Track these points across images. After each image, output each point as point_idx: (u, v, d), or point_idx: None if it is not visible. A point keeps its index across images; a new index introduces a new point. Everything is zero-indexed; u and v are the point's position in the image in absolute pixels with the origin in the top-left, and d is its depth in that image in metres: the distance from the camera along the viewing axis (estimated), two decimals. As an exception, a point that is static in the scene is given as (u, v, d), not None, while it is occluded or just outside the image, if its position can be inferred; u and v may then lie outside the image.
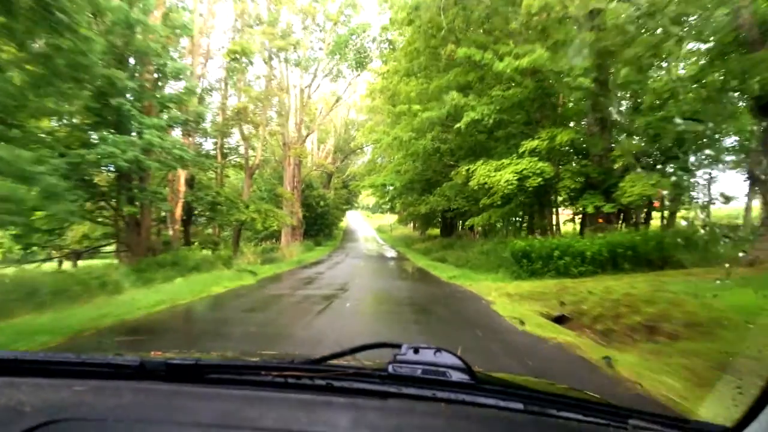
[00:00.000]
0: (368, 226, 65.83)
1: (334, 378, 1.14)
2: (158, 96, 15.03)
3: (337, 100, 35.41)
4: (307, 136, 35.03)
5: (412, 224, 52.02)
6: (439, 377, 1.10)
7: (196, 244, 23.76)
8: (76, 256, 18.27)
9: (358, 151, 49.61)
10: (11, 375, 1.16)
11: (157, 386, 1.13)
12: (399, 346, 1.16)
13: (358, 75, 34.91)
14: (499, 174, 14.08)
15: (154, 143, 13.21)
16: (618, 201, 13.35)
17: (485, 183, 14.27)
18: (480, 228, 31.70)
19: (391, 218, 63.88)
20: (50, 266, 17.47)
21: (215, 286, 12.68)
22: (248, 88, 24.28)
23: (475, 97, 15.57)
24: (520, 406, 1.08)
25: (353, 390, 1.11)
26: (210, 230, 26.56)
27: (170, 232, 18.51)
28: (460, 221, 36.05)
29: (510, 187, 13.72)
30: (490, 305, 9.69)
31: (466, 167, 15.09)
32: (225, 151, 27.32)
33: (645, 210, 18.87)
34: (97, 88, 14.17)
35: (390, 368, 1.12)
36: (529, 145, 14.39)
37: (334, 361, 1.22)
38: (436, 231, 42.31)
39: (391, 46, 34.32)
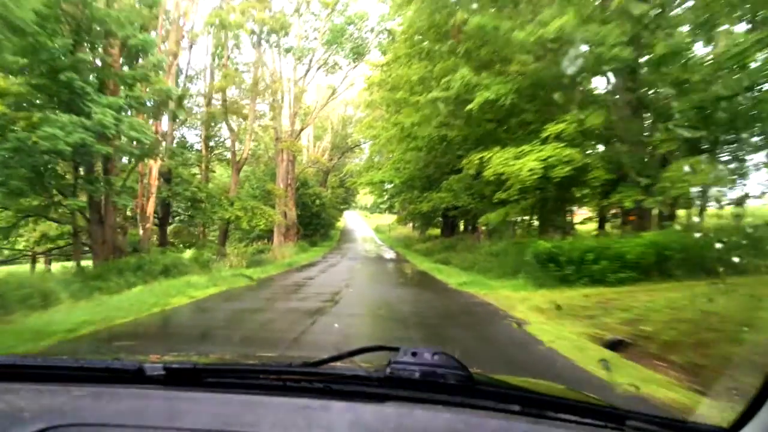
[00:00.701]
0: (366, 227, 63.42)
1: (332, 381, 1.13)
2: (118, 73, 12.64)
3: (333, 93, 33.05)
4: (302, 130, 32.67)
5: (411, 224, 49.59)
6: (436, 380, 1.08)
7: (179, 245, 21.38)
8: (33, 259, 15.84)
9: (356, 148, 47.21)
10: (10, 380, 1.14)
11: (156, 391, 1.11)
12: (397, 349, 1.14)
13: (355, 66, 32.55)
14: (519, 162, 11.69)
15: (107, 124, 10.81)
16: (663, 194, 10.98)
17: (502, 173, 11.88)
18: (484, 228, 29.43)
19: (389, 218, 61.61)
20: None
21: (178, 297, 10.31)
22: (233, 72, 21.87)
23: (489, 75, 13.20)
24: (517, 408, 1.07)
25: (351, 393, 1.10)
26: (195, 230, 24.16)
27: (140, 232, 16.11)
28: (462, 221, 33.74)
29: (534, 177, 11.33)
30: (523, 326, 7.30)
31: (480, 155, 12.70)
32: (213, 144, 24.96)
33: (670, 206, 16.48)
34: (46, 62, 11.87)
35: (388, 371, 1.09)
36: (553, 129, 12.01)
37: (332, 364, 1.21)
38: (437, 231, 39.93)
39: (391, 36, 32.04)
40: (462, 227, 35.09)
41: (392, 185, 32.38)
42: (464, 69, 13.04)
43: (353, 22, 31.61)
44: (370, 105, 38.87)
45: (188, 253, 21.26)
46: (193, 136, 22.56)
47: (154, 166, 16.07)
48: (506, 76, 13.13)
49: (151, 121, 16.19)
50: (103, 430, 0.97)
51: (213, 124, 22.80)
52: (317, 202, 37.90)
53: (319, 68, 30.85)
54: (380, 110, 36.90)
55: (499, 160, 12.04)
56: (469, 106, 12.67)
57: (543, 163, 11.29)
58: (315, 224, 38.57)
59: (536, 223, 23.41)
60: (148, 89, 12.48)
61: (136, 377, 1.15)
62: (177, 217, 22.54)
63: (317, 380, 1.14)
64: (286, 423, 0.99)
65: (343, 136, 44.87)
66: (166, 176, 18.10)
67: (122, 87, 12.69)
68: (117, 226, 15.45)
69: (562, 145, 11.87)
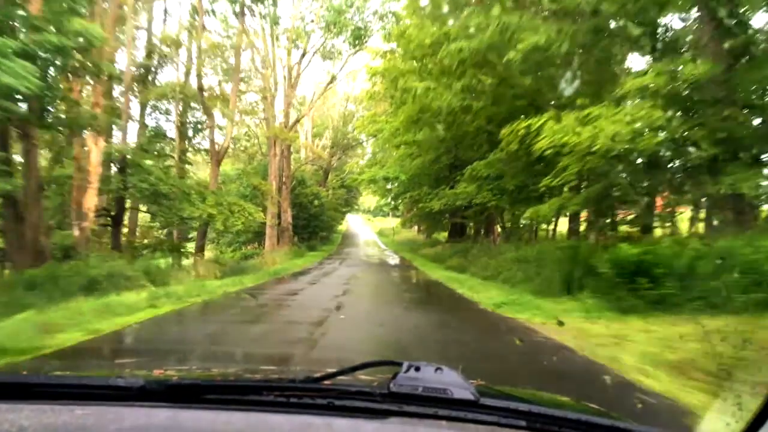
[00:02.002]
0: (369, 230, 59.47)
1: (335, 397, 1.10)
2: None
3: (332, 80, 29.21)
4: (297, 120, 28.81)
5: (416, 227, 45.59)
6: (440, 395, 1.04)
7: (145, 249, 17.48)
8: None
9: (358, 147, 43.28)
10: (12, 399, 1.11)
11: (158, 409, 1.07)
12: (400, 364, 1.12)
13: (356, 51, 28.70)
14: (587, 129, 7.71)
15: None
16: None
17: (563, 145, 7.89)
18: (500, 230, 25.45)
19: (393, 222, 57.74)
20: None
21: (69, 331, 6.42)
22: (211, 44, 18.01)
23: (531, 17, 9.30)
24: (522, 423, 1.03)
25: (354, 409, 1.06)
26: (169, 231, 20.24)
27: (76, 233, 12.21)
28: (472, 223, 29.72)
29: (619, 145, 7.34)
30: None
31: (526, 123, 8.72)
32: (193, 134, 21.09)
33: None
34: None
35: (391, 386, 1.06)
36: (634, 83, 8.09)
37: (335, 380, 1.18)
38: (444, 235, 35.96)
39: (395, 18, 28.25)
40: (472, 230, 31.19)
41: (396, 184, 28.56)
42: (497, 7, 9.12)
43: (353, 3, 27.81)
44: (373, 97, 35.11)
45: (160, 260, 17.42)
46: (173, 126, 18.64)
47: (95, 148, 12.20)
48: (556, 17, 9.24)
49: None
50: None
51: (189, 107, 18.90)
52: (316, 202, 33.96)
53: (315, 53, 27.03)
54: (383, 106, 33.23)
55: (557, 128, 8.05)
56: (510, 55, 8.73)
57: (629, 126, 7.31)
58: (313, 227, 34.62)
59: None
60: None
61: (139, 395, 1.12)
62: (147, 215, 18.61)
63: (320, 396, 1.11)
64: None
65: (344, 132, 40.97)
66: (121, 165, 14.23)
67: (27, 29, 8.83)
68: (43, 226, 11.60)
69: (648, 103, 7.91)
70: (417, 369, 1.09)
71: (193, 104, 19.52)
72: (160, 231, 18.58)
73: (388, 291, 12.72)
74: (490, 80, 10.48)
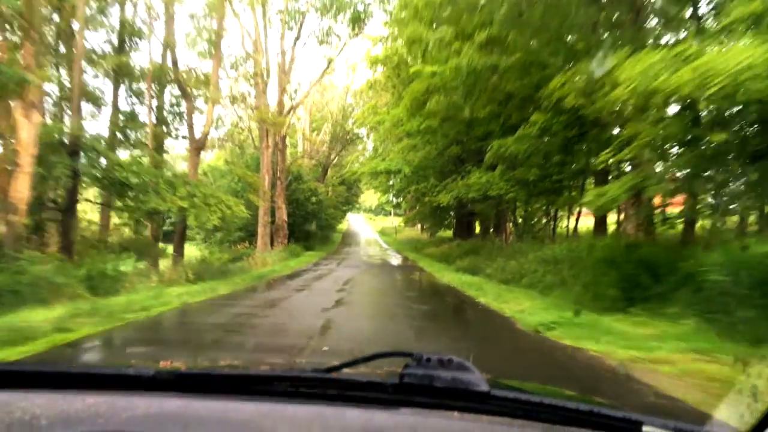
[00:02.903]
0: (370, 229, 56.82)
1: (346, 388, 1.09)
2: None
3: (329, 64, 26.56)
4: (291, 109, 26.18)
5: (419, 226, 42.95)
6: (451, 386, 1.01)
7: (109, 249, 14.85)
8: None
9: (358, 141, 40.60)
10: (25, 387, 1.09)
11: (170, 398, 1.06)
12: (411, 355, 1.07)
13: (356, 34, 26.07)
14: (686, 71, 5.07)
15: None
16: None
17: (653, 91, 5.23)
18: (512, 226, 22.80)
19: (395, 221, 55.15)
20: None
21: None
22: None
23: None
24: (533, 416, 1.01)
25: (365, 399, 1.05)
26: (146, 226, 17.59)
27: (1, 228, 9.59)
28: (478, 220, 27.04)
29: (758, 84, 4.71)
30: None
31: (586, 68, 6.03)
32: (171, 119, 18.48)
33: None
34: None
35: (402, 377, 1.03)
36: (743, 11, 5.45)
37: (346, 371, 1.15)
38: (448, 233, 33.36)
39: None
40: (478, 228, 28.55)
41: (399, 178, 25.96)
42: None
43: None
44: (374, 86, 32.51)
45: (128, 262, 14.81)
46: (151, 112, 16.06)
47: (26, 122, 9.59)
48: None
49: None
50: None
51: (165, 87, 16.31)
52: (313, 199, 31.26)
53: (310, 36, 24.42)
54: (384, 98, 30.64)
55: (640, 68, 5.37)
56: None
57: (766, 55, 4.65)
58: (310, 225, 31.97)
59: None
60: None
61: (150, 384, 1.10)
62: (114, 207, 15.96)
63: (331, 387, 1.10)
64: (302, 430, 0.95)
65: (343, 126, 38.31)
66: (73, 148, 11.62)
67: None
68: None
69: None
70: (428, 360, 1.05)
71: (174, 92, 17.05)
72: (132, 228, 15.93)
73: (393, 302, 10.08)
74: (523, 35, 7.74)
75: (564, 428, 0.99)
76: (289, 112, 25.63)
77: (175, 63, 14.94)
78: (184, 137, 16.91)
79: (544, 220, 23.57)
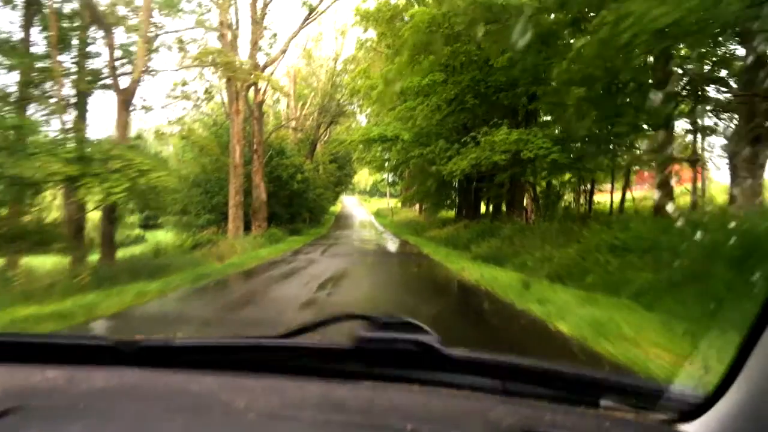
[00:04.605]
0: (365, 211, 52.20)
1: (304, 355, 1.08)
2: None
3: (310, 12, 21.63)
4: (266, 66, 21.33)
5: (417, 206, 38.44)
6: (413, 358, 0.99)
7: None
8: None
9: (349, 114, 35.69)
10: None
11: (130, 370, 1.03)
12: (368, 318, 1.05)
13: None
14: None
15: None
16: None
17: None
18: (531, 203, 18.38)
19: (391, 202, 50.65)
20: None
21: None
22: None
23: None
24: (493, 384, 0.98)
25: (325, 371, 1.02)
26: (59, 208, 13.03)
27: None
28: (486, 197, 22.51)
29: None
30: None
31: None
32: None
33: None
34: None
35: (361, 344, 1.00)
36: None
37: (304, 336, 1.13)
38: (450, 214, 28.92)
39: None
40: (487, 206, 24.11)
41: (396, 150, 21.42)
42: None
43: None
44: (365, 46, 27.64)
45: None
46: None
47: None
48: None
49: None
50: (74, 411, 0.89)
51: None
52: (299, 176, 26.57)
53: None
54: (377, 65, 25.93)
55: None
56: None
57: None
58: (296, 206, 27.38)
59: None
60: None
61: (111, 356, 1.07)
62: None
63: (290, 356, 1.08)
64: (260, 402, 0.91)
65: (331, 95, 33.39)
66: None
67: None
68: None
69: None
70: (387, 324, 1.02)
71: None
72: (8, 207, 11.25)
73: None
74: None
75: (522, 399, 0.94)
76: (264, 68, 20.82)
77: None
78: (106, 86, 12.17)
79: (568, 195, 19.25)
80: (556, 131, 12.21)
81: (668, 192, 11.46)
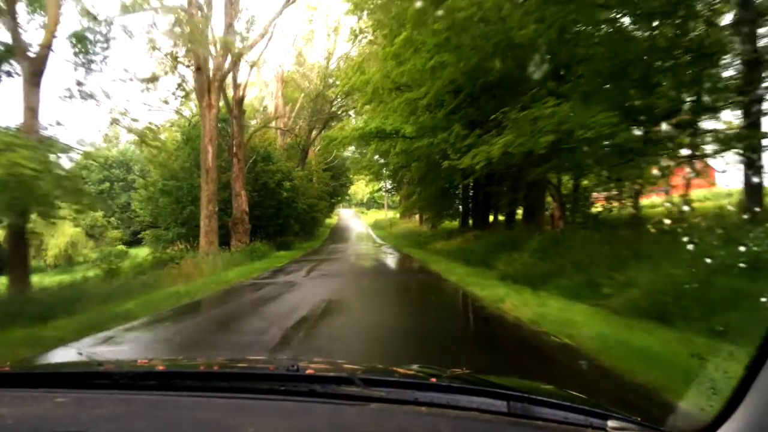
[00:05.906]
0: (362, 223, 48.77)
1: (314, 382, 1.04)
2: None
3: (293, -9, 18.56)
4: (242, 52, 18.08)
5: (418, 217, 35.04)
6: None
7: None
8: None
9: (343, 116, 32.44)
10: None
11: (139, 396, 1.02)
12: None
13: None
14: None
15: None
16: None
17: None
18: (558, 207, 15.08)
19: (389, 214, 47.34)
20: None
21: None
22: None
23: None
24: (502, 408, 0.96)
25: (333, 395, 0.99)
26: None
27: None
28: (493, 200, 19.04)
29: None
30: None
31: None
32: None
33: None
34: None
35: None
36: None
37: (315, 366, 1.12)
38: (453, 224, 25.59)
39: None
40: (497, 215, 20.79)
41: (395, 151, 18.29)
42: None
43: None
44: (357, 35, 24.57)
45: None
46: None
47: None
48: None
49: None
50: None
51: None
52: (287, 184, 23.22)
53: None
54: (372, 64, 22.92)
55: None
56: None
57: None
58: (285, 217, 23.96)
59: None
60: None
61: (120, 382, 1.05)
62: None
63: (300, 382, 1.05)
64: (268, 426, 0.90)
65: (324, 96, 30.21)
66: None
67: None
68: None
69: None
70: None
71: None
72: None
73: None
74: None
75: (531, 421, 0.92)
76: (239, 57, 17.58)
77: None
78: (7, 52, 8.88)
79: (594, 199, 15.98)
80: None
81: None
